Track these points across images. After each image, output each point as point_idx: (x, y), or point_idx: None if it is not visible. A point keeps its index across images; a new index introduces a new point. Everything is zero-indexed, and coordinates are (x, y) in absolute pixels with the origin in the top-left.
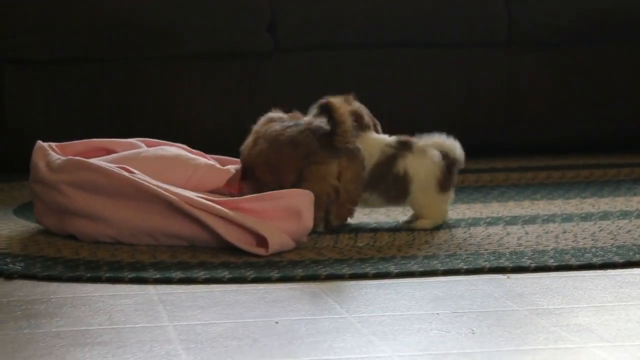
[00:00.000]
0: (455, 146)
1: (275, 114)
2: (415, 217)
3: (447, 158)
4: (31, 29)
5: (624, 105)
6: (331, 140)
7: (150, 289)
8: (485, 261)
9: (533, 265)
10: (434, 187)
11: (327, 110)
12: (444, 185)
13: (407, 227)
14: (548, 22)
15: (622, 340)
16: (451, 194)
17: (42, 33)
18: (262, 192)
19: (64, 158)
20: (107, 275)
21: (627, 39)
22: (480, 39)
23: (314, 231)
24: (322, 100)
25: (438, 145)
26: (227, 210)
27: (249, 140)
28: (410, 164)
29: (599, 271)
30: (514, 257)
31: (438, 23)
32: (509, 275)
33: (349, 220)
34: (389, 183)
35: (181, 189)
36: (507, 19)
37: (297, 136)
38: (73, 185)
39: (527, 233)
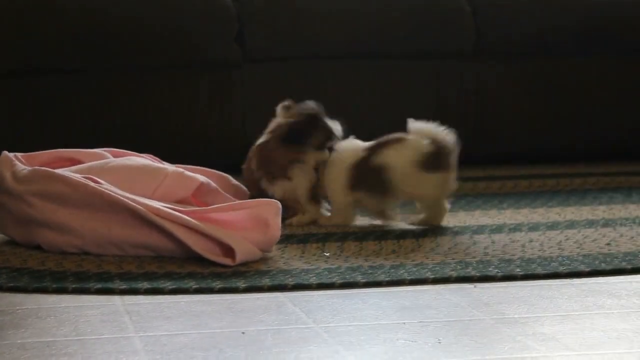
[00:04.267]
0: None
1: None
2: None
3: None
4: (0, 39)
5: (590, 115)
6: None
7: (117, 299)
8: (452, 270)
9: (500, 274)
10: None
11: None
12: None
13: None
14: (514, 33)
15: (587, 350)
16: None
17: (9, 43)
18: None
19: (29, 168)
20: (74, 286)
21: (593, 49)
22: (448, 50)
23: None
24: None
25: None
26: (194, 221)
27: None
28: None
29: (565, 280)
30: (480, 266)
31: (406, 34)
32: (475, 284)
33: (317, 230)
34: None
35: (148, 199)
36: (474, 30)
37: None
38: (39, 195)
39: (493, 242)
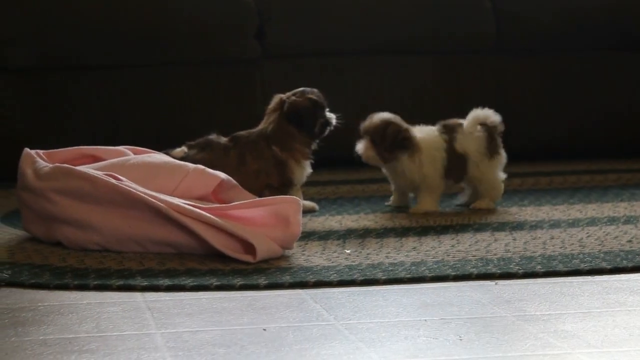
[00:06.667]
0: (489, 114)
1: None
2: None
3: (486, 126)
4: (21, 35)
5: (611, 112)
6: None
7: (138, 296)
8: (473, 267)
9: (521, 271)
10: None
11: None
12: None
13: (467, 208)
14: (535, 30)
15: (608, 347)
16: (502, 158)
17: (32, 40)
18: None
19: (51, 165)
20: (95, 282)
21: (614, 45)
22: (469, 46)
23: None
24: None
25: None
26: (215, 218)
27: None
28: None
29: (586, 277)
30: (501, 263)
31: (426, 30)
32: (497, 281)
33: (338, 227)
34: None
35: (169, 196)
36: (494, 27)
37: None
38: (60, 192)
39: (515, 239)
